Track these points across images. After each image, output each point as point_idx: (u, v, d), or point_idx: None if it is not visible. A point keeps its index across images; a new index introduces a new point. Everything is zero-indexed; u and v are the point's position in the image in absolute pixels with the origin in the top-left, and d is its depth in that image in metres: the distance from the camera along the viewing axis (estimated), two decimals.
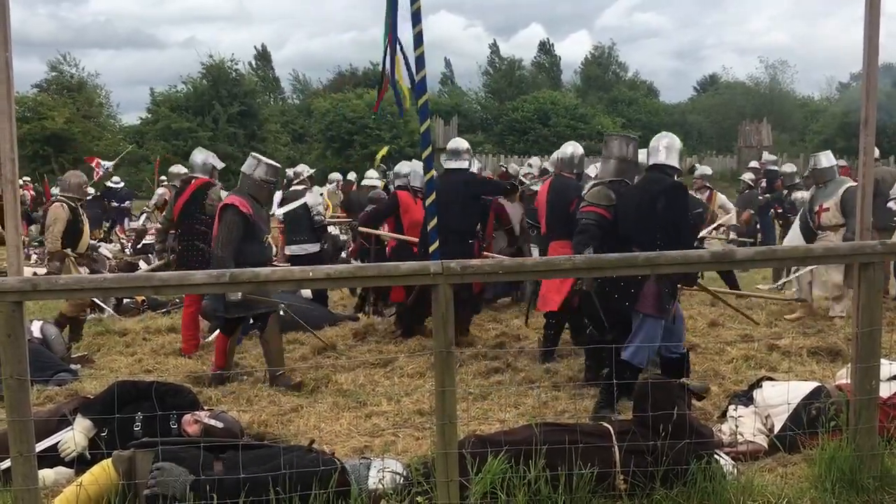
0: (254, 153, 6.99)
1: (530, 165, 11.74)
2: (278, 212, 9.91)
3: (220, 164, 8.29)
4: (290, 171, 11.42)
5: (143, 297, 9.53)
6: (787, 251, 4.04)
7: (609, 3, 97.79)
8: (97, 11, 77.38)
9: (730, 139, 38.84)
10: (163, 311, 9.51)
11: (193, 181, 7.95)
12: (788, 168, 12.90)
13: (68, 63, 39.36)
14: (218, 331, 7.01)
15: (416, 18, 5.45)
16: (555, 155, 7.80)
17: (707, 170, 12.44)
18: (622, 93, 50.90)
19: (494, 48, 55.11)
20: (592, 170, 7.35)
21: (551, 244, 7.05)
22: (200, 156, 8.22)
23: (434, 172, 5.74)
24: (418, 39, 5.47)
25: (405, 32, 5.57)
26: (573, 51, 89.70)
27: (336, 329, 8.31)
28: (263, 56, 55.10)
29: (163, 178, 11.49)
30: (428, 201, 5.65)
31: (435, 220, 5.67)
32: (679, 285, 5.66)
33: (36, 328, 6.97)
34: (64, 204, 7.88)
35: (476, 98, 52.75)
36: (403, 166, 9.39)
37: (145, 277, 3.94)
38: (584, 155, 7.38)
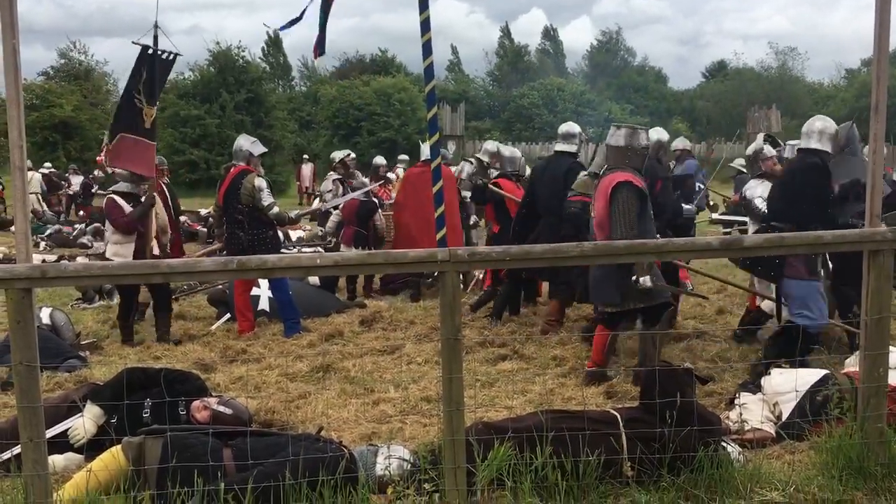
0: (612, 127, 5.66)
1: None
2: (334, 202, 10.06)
3: (256, 150, 7.80)
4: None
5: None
6: (796, 238, 4.01)
7: None
8: None
9: (739, 125, 38.61)
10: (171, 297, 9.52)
11: (232, 168, 7.84)
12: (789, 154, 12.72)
13: (78, 50, 39.23)
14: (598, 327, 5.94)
15: (424, 5, 5.43)
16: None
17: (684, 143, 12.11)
18: (631, 79, 50.61)
19: (505, 31, 54.81)
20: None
21: None
22: (239, 142, 8.00)
23: (442, 159, 5.74)
24: (425, 26, 5.45)
25: (411, 19, 5.59)
26: (575, 37, 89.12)
27: (343, 316, 8.33)
28: (275, 42, 54.79)
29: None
30: (436, 188, 5.64)
31: (442, 208, 5.67)
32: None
33: (45, 315, 7.01)
34: None
35: (482, 85, 52.54)
36: (504, 150, 9.19)
37: (152, 264, 3.95)
38: (667, 140, 7.95)
